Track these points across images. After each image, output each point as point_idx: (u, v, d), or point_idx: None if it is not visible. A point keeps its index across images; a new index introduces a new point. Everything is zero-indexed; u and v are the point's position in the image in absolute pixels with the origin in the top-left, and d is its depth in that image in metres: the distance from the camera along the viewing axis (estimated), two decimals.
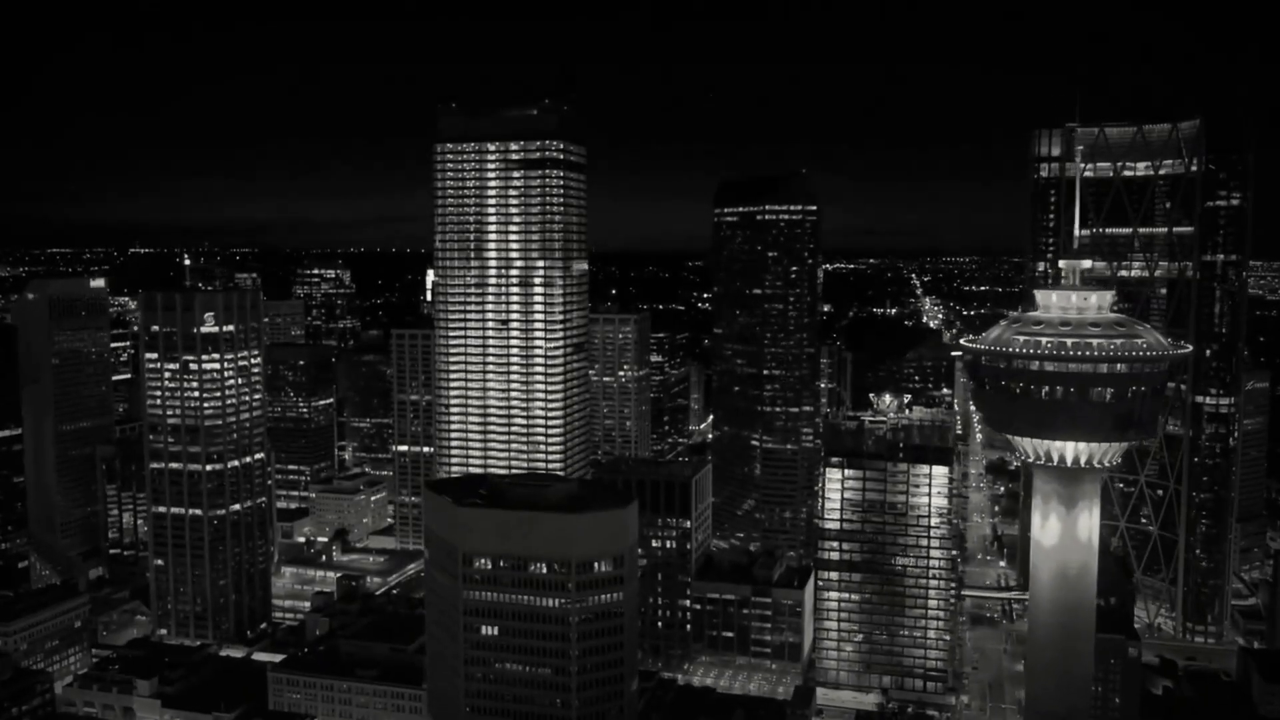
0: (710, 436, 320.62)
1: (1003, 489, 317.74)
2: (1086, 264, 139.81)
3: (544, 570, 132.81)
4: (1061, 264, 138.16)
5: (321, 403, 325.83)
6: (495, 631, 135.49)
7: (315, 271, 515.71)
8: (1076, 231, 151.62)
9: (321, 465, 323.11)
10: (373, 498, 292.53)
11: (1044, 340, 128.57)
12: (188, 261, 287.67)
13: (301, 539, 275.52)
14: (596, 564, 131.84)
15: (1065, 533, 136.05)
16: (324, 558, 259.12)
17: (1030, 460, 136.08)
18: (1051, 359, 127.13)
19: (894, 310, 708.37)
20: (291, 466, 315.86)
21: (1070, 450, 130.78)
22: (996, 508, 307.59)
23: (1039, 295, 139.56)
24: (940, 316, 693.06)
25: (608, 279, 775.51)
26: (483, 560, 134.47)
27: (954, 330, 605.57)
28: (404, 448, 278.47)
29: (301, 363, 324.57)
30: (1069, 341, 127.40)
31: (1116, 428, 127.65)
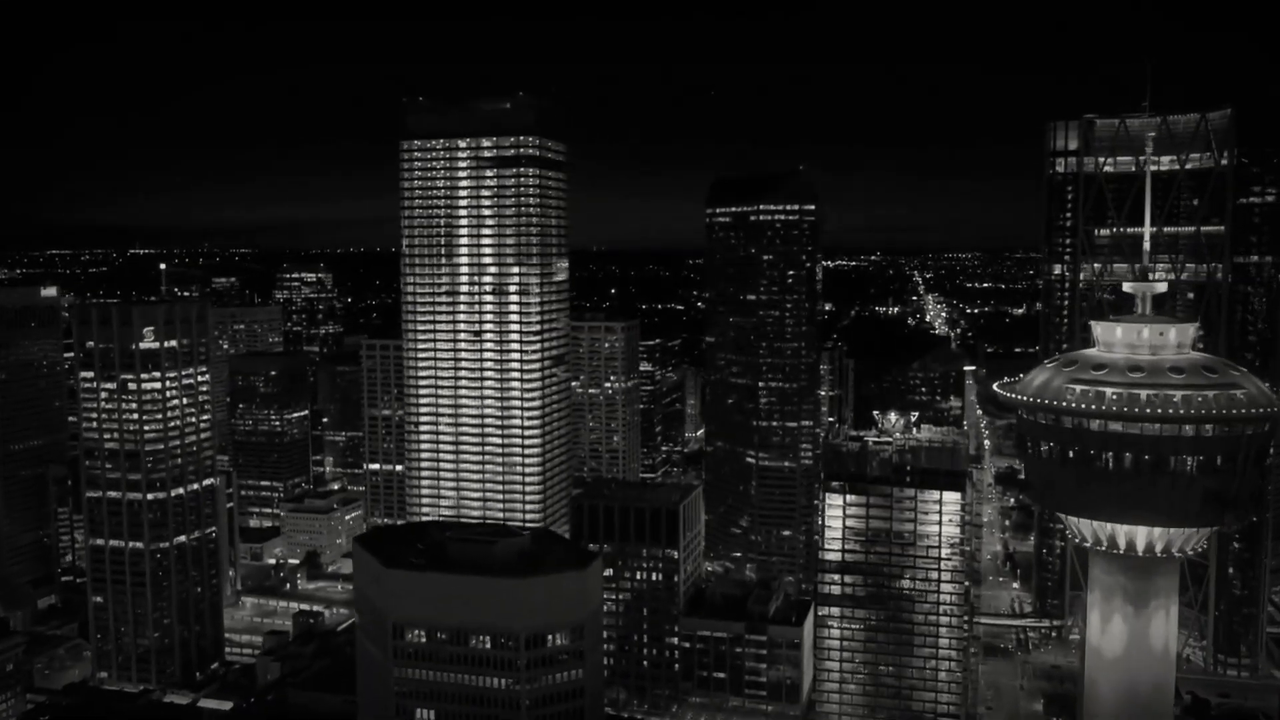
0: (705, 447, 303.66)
1: (1013, 500, 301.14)
2: (1161, 287, 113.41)
3: (488, 645, 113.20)
4: (1128, 288, 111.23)
5: (295, 415, 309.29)
6: (432, 717, 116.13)
7: (295, 275, 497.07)
8: (1146, 245, 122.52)
9: (296, 481, 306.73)
10: (347, 516, 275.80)
11: (1108, 391, 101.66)
12: (163, 266, 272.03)
13: (272, 561, 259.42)
14: (551, 637, 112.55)
15: (1134, 640, 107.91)
16: (288, 585, 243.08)
17: (1088, 545, 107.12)
18: (1119, 417, 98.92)
19: (897, 309, 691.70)
20: (264, 483, 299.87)
21: (1142, 536, 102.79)
22: (1007, 521, 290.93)
23: (1099, 329, 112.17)
24: (944, 315, 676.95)
25: (607, 278, 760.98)
26: (416, 632, 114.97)
27: (959, 330, 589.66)
28: (375, 466, 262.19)
29: (274, 373, 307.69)
30: (1143, 394, 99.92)
31: (1206, 508, 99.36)
